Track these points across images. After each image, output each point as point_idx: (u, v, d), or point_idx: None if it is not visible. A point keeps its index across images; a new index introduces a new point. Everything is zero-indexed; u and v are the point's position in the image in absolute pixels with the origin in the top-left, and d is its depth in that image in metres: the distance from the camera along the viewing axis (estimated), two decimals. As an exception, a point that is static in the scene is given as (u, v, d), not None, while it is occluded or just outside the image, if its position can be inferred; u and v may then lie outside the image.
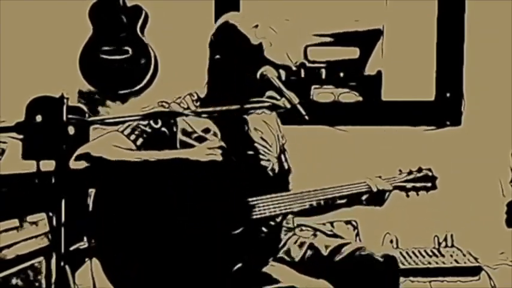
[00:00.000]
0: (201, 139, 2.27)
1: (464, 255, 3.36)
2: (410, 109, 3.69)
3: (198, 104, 2.35)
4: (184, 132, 2.26)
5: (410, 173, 2.52)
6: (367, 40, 3.70)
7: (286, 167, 2.49)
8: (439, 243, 3.46)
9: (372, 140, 3.60)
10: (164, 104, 2.31)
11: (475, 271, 3.28)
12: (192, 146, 2.25)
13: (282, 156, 2.49)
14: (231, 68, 2.30)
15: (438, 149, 3.55)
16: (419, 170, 2.53)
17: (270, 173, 2.38)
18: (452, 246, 3.45)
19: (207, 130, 2.29)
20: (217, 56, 2.32)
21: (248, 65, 2.27)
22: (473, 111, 3.62)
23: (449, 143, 3.61)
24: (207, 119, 2.30)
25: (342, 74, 3.72)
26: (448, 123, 3.65)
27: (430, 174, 2.53)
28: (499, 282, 3.31)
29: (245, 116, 2.38)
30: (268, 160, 2.40)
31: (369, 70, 3.72)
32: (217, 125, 2.31)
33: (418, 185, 2.51)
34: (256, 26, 2.29)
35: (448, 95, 3.67)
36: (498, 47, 3.57)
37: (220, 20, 2.37)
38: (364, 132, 3.62)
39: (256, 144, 2.38)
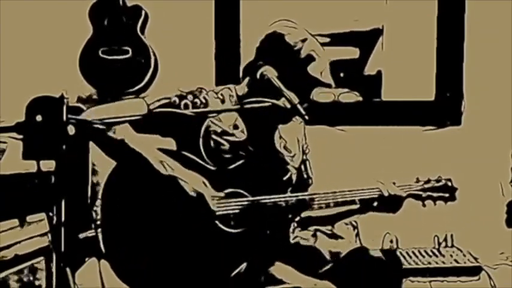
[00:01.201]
0: (227, 134, 2.29)
1: (464, 255, 3.36)
2: (410, 109, 3.69)
3: (234, 99, 2.36)
4: (208, 129, 2.28)
5: (427, 181, 2.47)
6: (367, 40, 3.70)
7: (306, 176, 2.50)
8: (439, 243, 3.46)
9: (372, 140, 3.60)
10: (203, 90, 2.33)
11: (475, 271, 3.28)
12: (215, 142, 2.26)
13: (303, 167, 2.49)
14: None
15: (438, 149, 3.55)
16: (438, 179, 2.48)
17: (287, 181, 2.38)
18: (452, 246, 3.45)
19: (236, 126, 2.31)
20: (261, 62, 2.32)
21: (292, 75, 2.28)
22: (473, 111, 3.62)
23: (449, 143, 3.60)
24: (239, 116, 2.32)
25: (342, 74, 3.72)
26: (448, 123, 3.65)
27: (449, 184, 2.48)
28: (499, 282, 3.31)
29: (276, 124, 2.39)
30: (287, 170, 2.40)
31: (369, 70, 3.72)
32: (246, 124, 2.32)
33: (435, 194, 2.45)
34: (305, 40, 2.30)
35: (448, 95, 3.67)
36: (498, 47, 3.57)
37: (271, 29, 2.38)
38: (364, 132, 3.62)
39: (277, 153, 2.39)
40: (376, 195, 2.36)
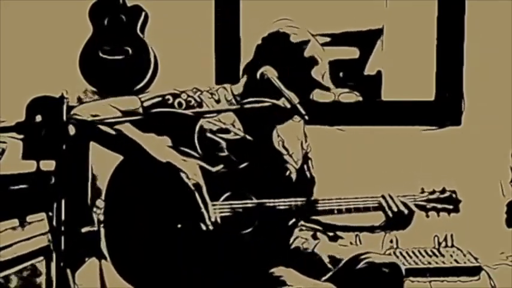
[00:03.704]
0: (223, 132, 2.28)
1: (464, 255, 3.36)
2: (410, 109, 3.69)
3: (230, 99, 2.35)
4: (203, 127, 2.27)
5: (432, 192, 2.45)
6: (367, 40, 3.70)
7: (309, 176, 2.49)
8: (439, 243, 3.45)
9: (372, 140, 3.60)
10: (198, 90, 2.33)
11: (475, 271, 3.28)
12: (210, 140, 2.25)
13: (305, 166, 2.49)
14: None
15: (438, 149, 3.55)
16: (443, 190, 2.47)
17: (287, 180, 2.38)
18: (452, 246, 3.45)
19: (233, 125, 2.31)
20: (262, 62, 2.31)
21: (294, 76, 2.27)
22: (473, 111, 3.62)
23: (449, 143, 3.60)
24: (235, 116, 2.32)
25: (341, 74, 3.72)
26: (448, 123, 3.65)
27: (453, 196, 2.47)
28: (499, 282, 3.31)
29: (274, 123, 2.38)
30: (286, 168, 2.39)
31: (369, 70, 3.72)
32: (242, 124, 2.32)
33: (439, 206, 2.45)
34: (309, 41, 2.30)
35: (447, 95, 3.67)
36: (498, 47, 3.57)
37: (274, 28, 2.37)
38: (364, 132, 3.61)
39: (276, 152, 2.38)
40: (376, 205, 2.34)
